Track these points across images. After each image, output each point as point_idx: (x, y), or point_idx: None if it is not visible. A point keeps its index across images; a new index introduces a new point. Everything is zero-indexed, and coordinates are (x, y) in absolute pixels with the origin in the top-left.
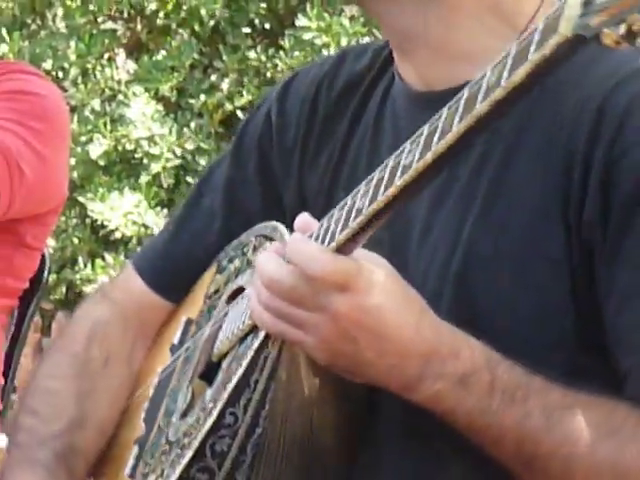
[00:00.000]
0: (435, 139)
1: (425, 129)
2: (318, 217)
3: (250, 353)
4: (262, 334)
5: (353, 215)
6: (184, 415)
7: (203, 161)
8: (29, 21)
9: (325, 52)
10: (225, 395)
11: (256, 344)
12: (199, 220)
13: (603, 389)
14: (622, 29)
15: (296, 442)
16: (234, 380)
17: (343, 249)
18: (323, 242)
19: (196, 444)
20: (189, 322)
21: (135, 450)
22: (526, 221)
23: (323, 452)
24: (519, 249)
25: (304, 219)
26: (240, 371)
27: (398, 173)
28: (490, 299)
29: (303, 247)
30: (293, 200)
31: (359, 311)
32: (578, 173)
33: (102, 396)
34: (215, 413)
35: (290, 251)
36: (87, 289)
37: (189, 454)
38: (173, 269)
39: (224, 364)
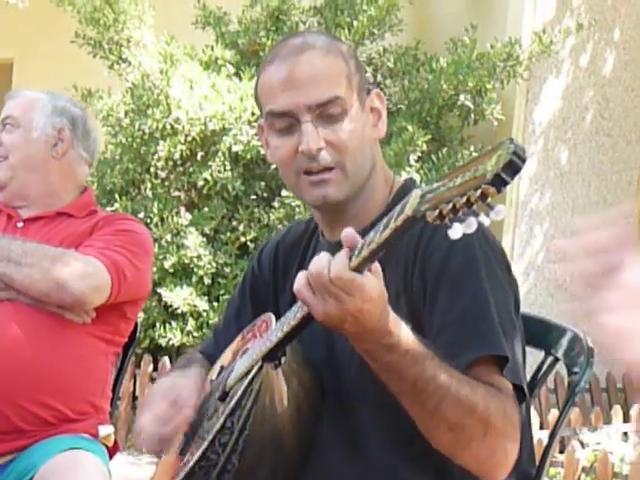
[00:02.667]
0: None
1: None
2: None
3: (239, 392)
4: (246, 382)
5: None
6: (209, 419)
7: (227, 270)
8: (130, 190)
9: (297, 209)
10: (227, 409)
11: (242, 387)
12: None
13: None
14: (436, 212)
15: (265, 449)
16: (227, 411)
17: (357, 267)
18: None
19: (205, 444)
20: (222, 368)
21: (183, 439)
22: (394, 304)
23: (282, 454)
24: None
25: (350, 234)
26: (232, 403)
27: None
28: None
29: (339, 256)
30: (275, 312)
31: (355, 311)
32: (409, 270)
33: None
34: (218, 426)
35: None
36: (160, 341)
37: (204, 445)
38: (214, 357)
39: (230, 392)
